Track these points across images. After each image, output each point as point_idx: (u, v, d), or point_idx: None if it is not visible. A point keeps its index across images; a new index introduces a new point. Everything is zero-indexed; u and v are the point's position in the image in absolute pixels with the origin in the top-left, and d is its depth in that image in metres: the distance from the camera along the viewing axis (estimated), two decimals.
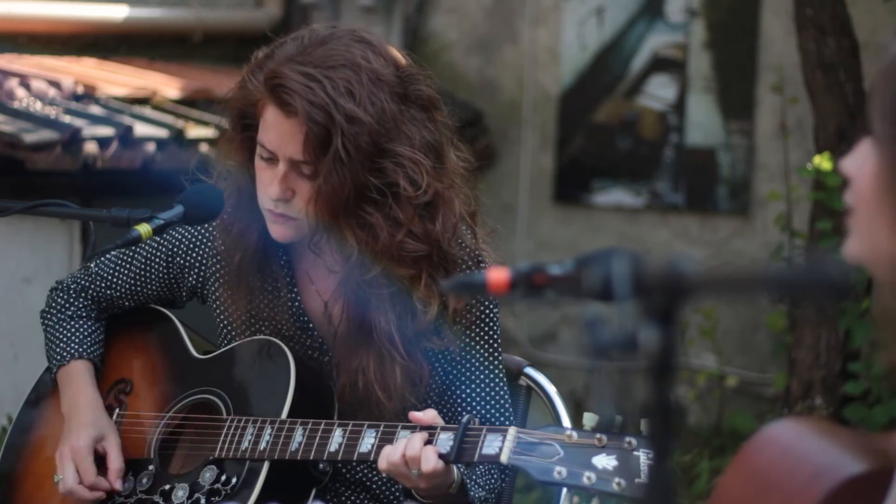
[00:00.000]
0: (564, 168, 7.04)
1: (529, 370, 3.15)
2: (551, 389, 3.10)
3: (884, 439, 1.77)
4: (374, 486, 3.04)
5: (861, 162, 1.76)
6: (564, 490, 2.99)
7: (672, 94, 6.82)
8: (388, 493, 3.04)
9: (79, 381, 3.18)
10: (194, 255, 3.14)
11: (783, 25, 6.45)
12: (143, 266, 3.20)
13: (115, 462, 3.09)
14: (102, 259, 3.25)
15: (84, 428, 3.11)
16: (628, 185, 6.92)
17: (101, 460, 3.11)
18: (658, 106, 6.85)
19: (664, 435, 1.55)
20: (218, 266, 3.11)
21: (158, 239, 3.14)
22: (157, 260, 3.18)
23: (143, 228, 2.86)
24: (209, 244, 3.12)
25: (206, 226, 3.12)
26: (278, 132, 2.89)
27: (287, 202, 2.92)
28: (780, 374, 5.92)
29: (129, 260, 3.21)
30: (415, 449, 2.71)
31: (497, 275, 1.80)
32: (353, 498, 3.05)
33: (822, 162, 5.42)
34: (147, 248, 3.18)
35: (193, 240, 3.14)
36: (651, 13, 6.86)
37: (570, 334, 7.02)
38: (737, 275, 1.60)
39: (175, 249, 3.16)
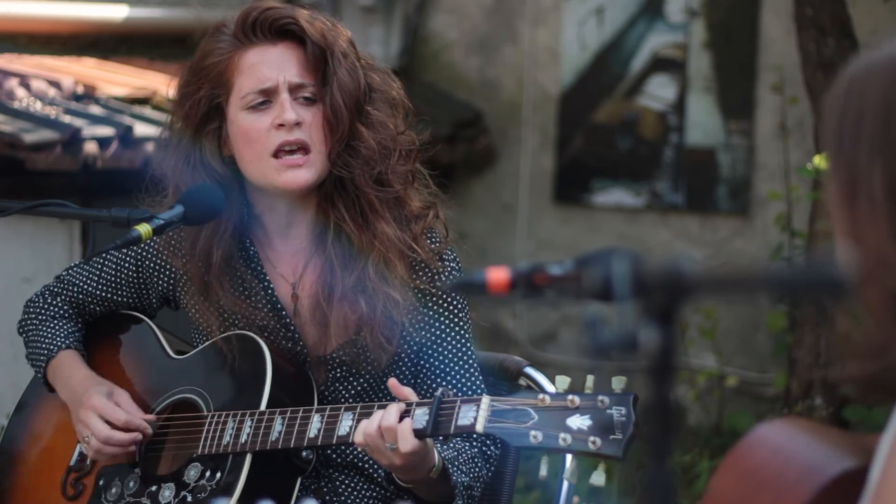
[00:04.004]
0: (564, 168, 7.05)
1: (529, 370, 3.15)
2: (551, 390, 3.09)
3: (872, 440, 1.78)
4: (366, 466, 3.04)
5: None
6: (564, 489, 2.99)
7: (672, 94, 6.82)
8: (380, 472, 3.04)
9: (72, 366, 3.18)
10: (164, 256, 3.15)
11: (783, 25, 6.45)
12: (113, 273, 3.20)
13: (132, 407, 3.08)
14: (74, 267, 3.26)
15: (92, 388, 3.11)
16: (628, 185, 6.92)
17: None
18: (658, 106, 6.85)
19: (664, 435, 1.55)
20: (187, 271, 3.11)
21: None
22: (127, 265, 3.19)
23: (143, 228, 2.86)
24: (177, 251, 3.12)
25: (173, 232, 3.11)
26: (270, 63, 3.00)
27: (300, 128, 2.97)
28: (780, 374, 5.92)
29: (100, 267, 3.22)
30: (390, 419, 2.72)
31: (497, 275, 1.80)
32: (346, 482, 3.06)
33: (822, 162, 5.42)
34: (117, 254, 3.20)
35: (161, 246, 3.15)
36: (651, 13, 6.86)
37: (570, 334, 7.02)
38: (737, 275, 1.60)
39: (144, 253, 3.17)
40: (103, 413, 3.06)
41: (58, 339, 3.21)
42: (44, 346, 3.21)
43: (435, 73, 7.26)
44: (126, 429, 3.05)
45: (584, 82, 6.99)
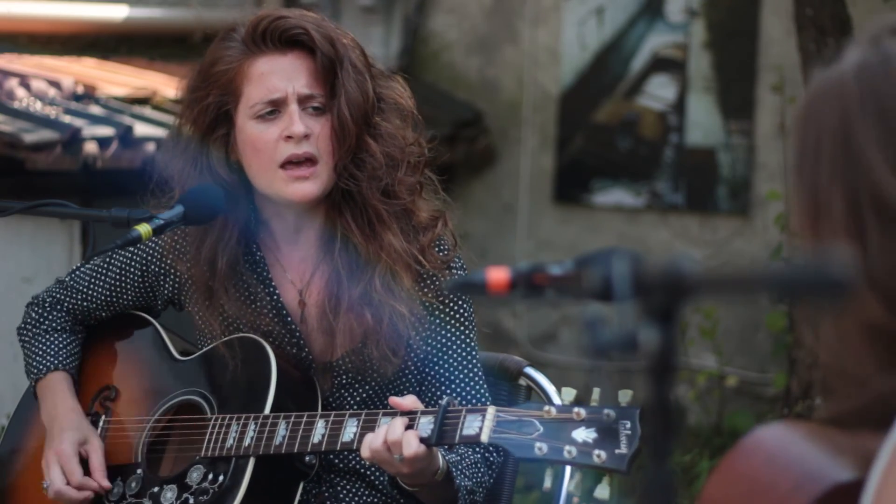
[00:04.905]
0: (564, 168, 7.05)
1: (529, 370, 3.15)
2: (551, 389, 3.09)
3: (873, 440, 1.77)
4: (368, 473, 3.04)
5: None
6: (564, 489, 2.99)
7: (672, 94, 6.82)
8: (382, 479, 3.04)
9: (57, 390, 3.18)
10: (169, 261, 3.14)
11: (783, 25, 6.45)
12: (118, 276, 3.19)
13: (99, 463, 3.09)
14: (77, 271, 3.25)
15: (66, 432, 3.11)
16: (628, 185, 6.92)
17: (85, 464, 3.10)
18: (658, 106, 6.85)
19: (664, 435, 1.55)
20: (192, 275, 3.10)
21: (133, 248, 3.14)
22: (132, 269, 3.17)
23: (143, 228, 2.86)
24: (181, 255, 3.12)
25: (177, 236, 3.11)
26: (279, 73, 2.97)
27: (308, 140, 2.96)
28: (780, 374, 5.92)
29: (104, 270, 3.20)
30: (396, 433, 2.71)
31: (497, 275, 1.80)
32: (347, 487, 3.06)
33: None
34: (121, 257, 3.18)
35: (167, 247, 3.13)
36: (651, 13, 6.86)
37: (570, 334, 7.02)
38: (737, 275, 1.59)
39: (149, 258, 3.15)
40: (64, 466, 3.07)
41: (48, 356, 3.20)
42: (34, 362, 3.21)
43: (435, 73, 7.26)
44: (79, 488, 3.06)
45: (584, 82, 6.99)
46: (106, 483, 3.07)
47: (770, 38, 6.66)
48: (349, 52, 2.98)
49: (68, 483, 3.06)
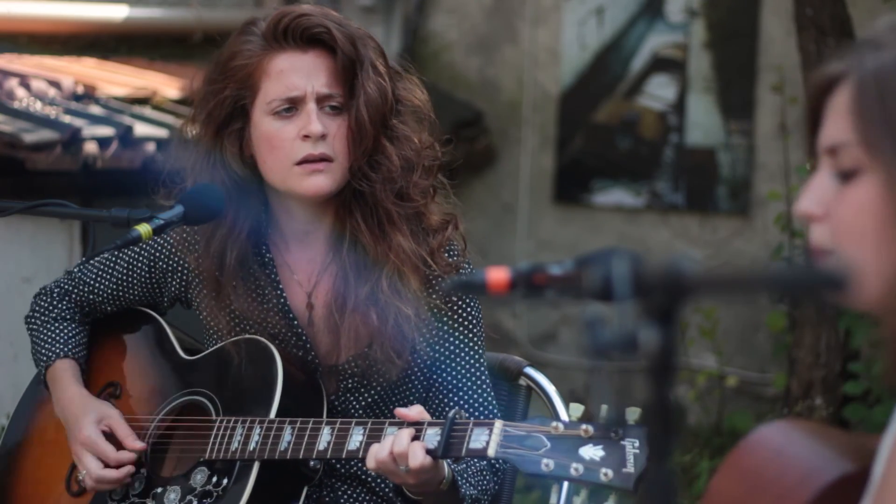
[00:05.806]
0: (564, 168, 7.05)
1: (529, 370, 3.15)
2: (551, 389, 3.10)
3: (874, 440, 1.78)
4: (369, 479, 3.04)
5: (830, 196, 1.74)
6: (565, 490, 2.99)
7: (672, 94, 6.82)
8: (383, 486, 3.04)
9: (64, 379, 3.17)
10: (176, 258, 3.13)
11: (783, 25, 6.45)
12: (125, 271, 3.19)
13: (124, 431, 3.07)
14: (85, 264, 3.25)
15: (83, 418, 3.10)
16: (628, 185, 6.92)
17: (112, 439, 3.09)
18: (658, 106, 6.85)
19: (664, 435, 1.55)
20: (201, 269, 3.10)
21: (141, 244, 3.14)
22: (140, 265, 3.17)
23: (143, 228, 2.86)
24: (191, 247, 3.11)
25: (188, 229, 3.11)
26: (299, 71, 2.96)
27: (325, 140, 2.95)
28: (780, 374, 5.92)
29: (112, 265, 3.20)
30: (402, 445, 2.70)
31: (497, 275, 1.80)
32: (349, 492, 3.05)
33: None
34: (129, 252, 3.18)
35: (175, 244, 3.13)
36: (651, 13, 6.86)
37: (570, 334, 7.02)
38: (737, 275, 1.60)
39: (157, 254, 3.15)
40: (94, 449, 3.06)
41: (57, 345, 3.20)
42: (43, 350, 3.21)
43: (435, 73, 7.26)
44: (117, 465, 3.04)
45: (584, 82, 6.99)
46: (140, 444, 3.05)
47: (770, 38, 6.66)
48: (370, 52, 2.97)
49: (106, 466, 3.05)
